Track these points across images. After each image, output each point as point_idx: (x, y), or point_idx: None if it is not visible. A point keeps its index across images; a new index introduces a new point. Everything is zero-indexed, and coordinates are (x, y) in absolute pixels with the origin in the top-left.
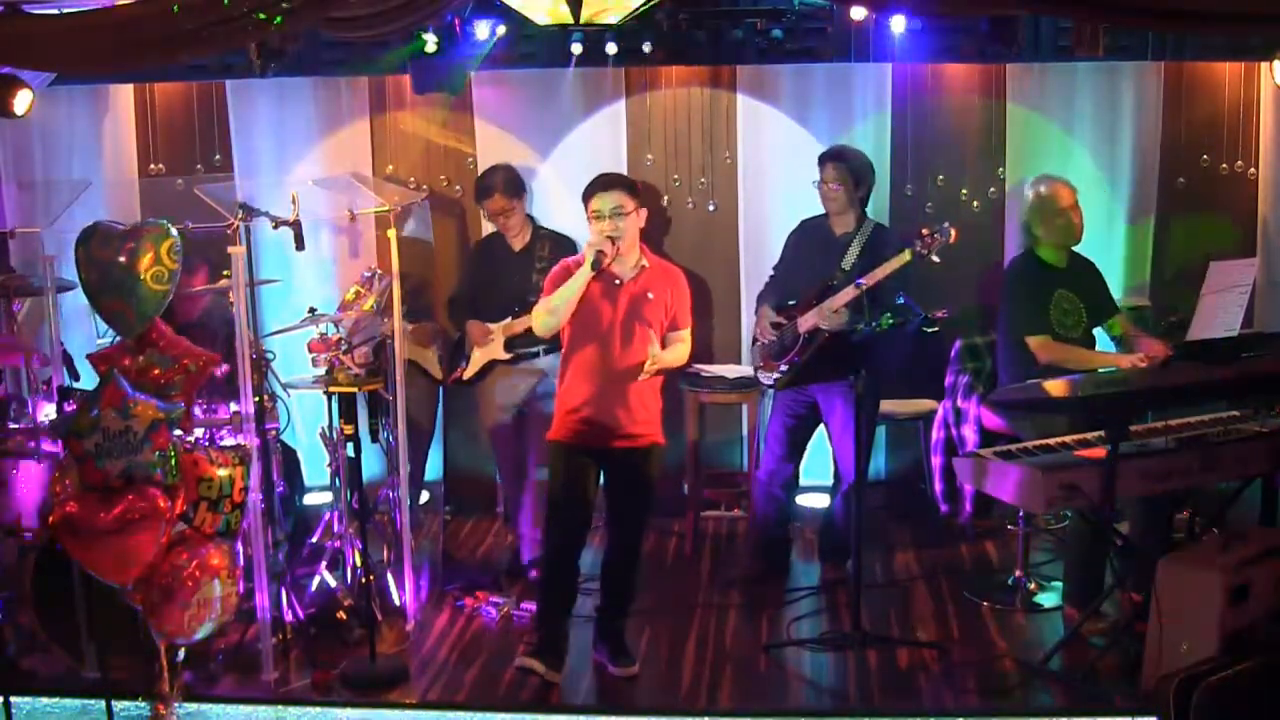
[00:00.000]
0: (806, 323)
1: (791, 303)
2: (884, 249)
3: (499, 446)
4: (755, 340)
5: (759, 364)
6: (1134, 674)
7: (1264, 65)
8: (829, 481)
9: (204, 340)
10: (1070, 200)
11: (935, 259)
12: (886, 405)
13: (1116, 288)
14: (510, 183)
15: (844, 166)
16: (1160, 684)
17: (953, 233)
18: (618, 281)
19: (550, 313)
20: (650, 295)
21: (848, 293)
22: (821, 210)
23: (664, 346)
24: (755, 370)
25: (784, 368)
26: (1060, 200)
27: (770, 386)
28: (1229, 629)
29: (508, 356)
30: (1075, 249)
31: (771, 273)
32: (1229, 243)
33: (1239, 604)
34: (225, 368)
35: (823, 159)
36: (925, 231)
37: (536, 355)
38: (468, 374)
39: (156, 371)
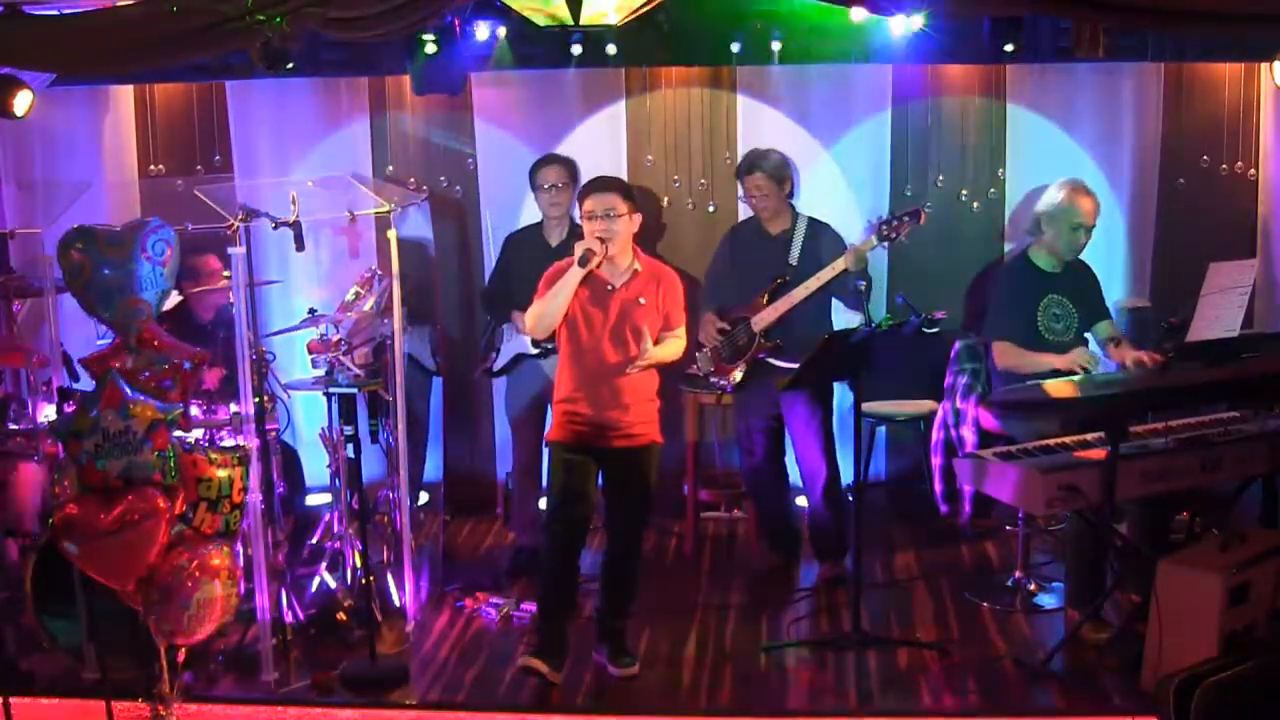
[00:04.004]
0: (761, 321)
1: (729, 307)
2: (824, 242)
3: (518, 437)
4: (701, 346)
5: (710, 369)
6: (1134, 674)
7: (1264, 65)
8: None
9: (210, 344)
10: (1092, 219)
11: (904, 240)
12: (886, 406)
13: (1117, 288)
14: (570, 164)
15: (761, 174)
16: (1160, 684)
17: (922, 216)
18: (609, 287)
19: (542, 315)
20: (642, 300)
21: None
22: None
23: (657, 345)
24: (707, 376)
25: (742, 368)
26: (1083, 215)
27: (778, 389)
28: (1229, 629)
29: (536, 351)
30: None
31: (705, 279)
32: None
33: (1239, 604)
34: (221, 371)
35: (739, 172)
36: (891, 216)
37: None
38: (497, 365)
39: (148, 373)
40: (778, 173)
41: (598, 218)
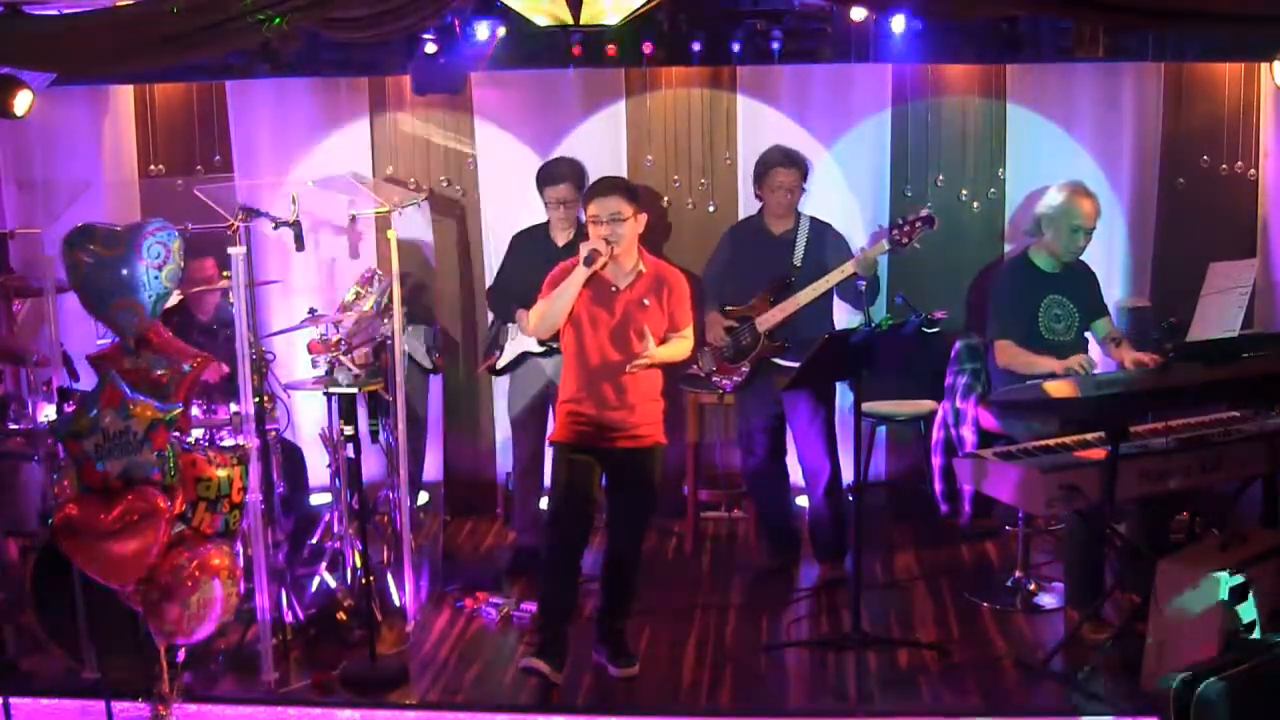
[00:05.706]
0: (766, 322)
1: (730, 306)
2: (828, 242)
3: (519, 437)
4: (706, 345)
5: (713, 369)
6: (1134, 674)
7: (1264, 65)
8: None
9: (213, 341)
10: (1092, 221)
11: (917, 245)
12: (886, 406)
13: (1118, 288)
14: (579, 175)
15: (797, 170)
16: (1160, 684)
17: (935, 221)
18: (614, 289)
19: (545, 315)
20: (646, 302)
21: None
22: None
23: (663, 345)
24: (710, 376)
25: (745, 369)
26: (1083, 218)
27: (779, 389)
28: (1229, 629)
29: (540, 350)
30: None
31: (704, 278)
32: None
33: (1239, 604)
34: (224, 369)
35: (772, 164)
36: (903, 220)
37: None
38: (500, 363)
39: (148, 368)
40: (805, 171)
41: (603, 222)
